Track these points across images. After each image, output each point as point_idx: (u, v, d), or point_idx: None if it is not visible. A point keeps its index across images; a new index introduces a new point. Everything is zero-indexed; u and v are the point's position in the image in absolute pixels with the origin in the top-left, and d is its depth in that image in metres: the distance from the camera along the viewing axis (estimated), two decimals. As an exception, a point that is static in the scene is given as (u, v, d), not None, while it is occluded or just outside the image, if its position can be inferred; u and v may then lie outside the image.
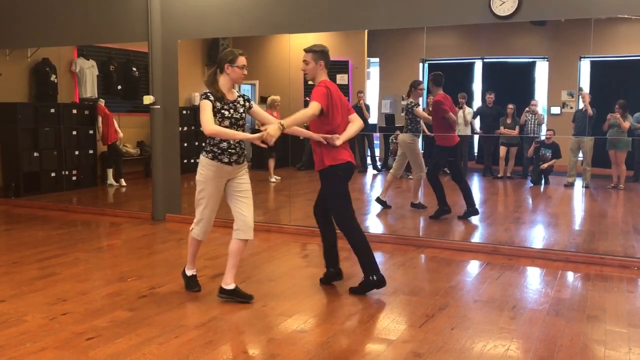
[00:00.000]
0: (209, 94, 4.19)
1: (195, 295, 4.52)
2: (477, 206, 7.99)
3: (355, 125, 4.64)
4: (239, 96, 4.35)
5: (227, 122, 4.20)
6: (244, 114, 4.32)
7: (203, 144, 4.33)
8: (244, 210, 4.30)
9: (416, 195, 8.06)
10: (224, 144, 4.23)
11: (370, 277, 4.52)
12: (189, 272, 4.66)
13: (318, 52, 4.54)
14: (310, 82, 4.74)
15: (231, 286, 4.35)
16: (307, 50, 4.57)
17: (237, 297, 4.35)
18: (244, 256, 5.83)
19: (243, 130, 4.33)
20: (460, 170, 7.94)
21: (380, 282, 4.52)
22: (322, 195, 4.76)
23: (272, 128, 4.10)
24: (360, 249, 4.54)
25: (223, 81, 4.26)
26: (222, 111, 4.20)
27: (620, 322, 4.02)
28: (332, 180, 4.56)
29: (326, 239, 4.82)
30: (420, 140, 8.12)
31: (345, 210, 4.57)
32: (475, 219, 7.65)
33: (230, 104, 4.25)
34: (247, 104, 4.36)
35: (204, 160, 4.28)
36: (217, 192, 4.33)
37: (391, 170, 8.24)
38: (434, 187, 7.62)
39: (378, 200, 8.16)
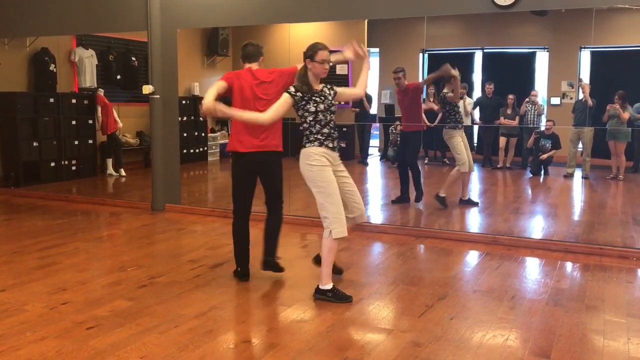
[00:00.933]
0: (293, 87, 4.19)
1: (195, 284, 4.53)
2: (476, 198, 8.02)
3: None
4: (323, 86, 4.30)
5: (319, 115, 4.18)
6: (333, 102, 4.28)
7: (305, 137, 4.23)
8: (356, 197, 4.31)
9: (465, 191, 7.79)
10: (327, 130, 4.20)
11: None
12: (328, 286, 4.21)
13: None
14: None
15: (329, 285, 4.24)
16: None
17: (336, 297, 4.19)
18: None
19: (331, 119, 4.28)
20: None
21: (243, 276, 4.64)
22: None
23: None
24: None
25: (309, 75, 4.22)
26: (310, 102, 4.17)
27: (619, 312, 4.03)
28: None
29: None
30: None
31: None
32: (474, 210, 7.67)
33: (317, 94, 4.22)
34: (331, 91, 4.31)
35: (310, 151, 4.16)
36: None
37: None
38: (405, 175, 7.75)
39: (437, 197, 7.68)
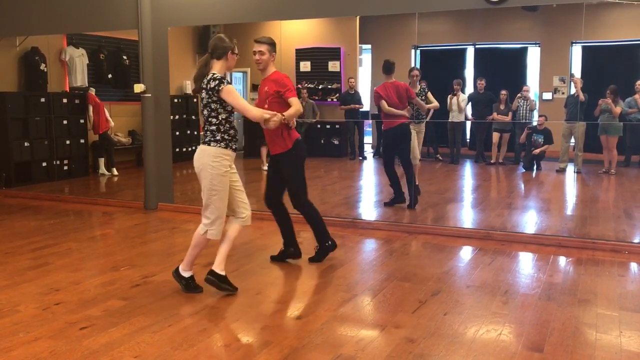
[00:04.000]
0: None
1: (188, 283, 4.52)
2: (469, 193, 8.03)
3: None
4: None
5: (232, 116, 4.26)
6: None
7: (203, 133, 4.22)
8: (244, 198, 4.38)
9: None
10: (233, 131, 4.22)
11: (326, 244, 5.10)
12: (187, 274, 4.38)
13: (273, 45, 4.77)
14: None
15: (187, 274, 4.38)
16: (261, 42, 4.72)
17: (187, 288, 4.35)
18: (236, 244, 5.83)
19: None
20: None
21: (334, 245, 5.14)
22: (281, 179, 4.99)
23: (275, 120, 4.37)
24: (316, 221, 5.07)
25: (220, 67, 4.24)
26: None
27: (612, 306, 4.05)
28: (294, 160, 4.91)
29: (284, 221, 5.16)
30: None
31: (303, 188, 4.99)
32: (467, 205, 7.68)
33: None
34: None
35: (216, 151, 4.15)
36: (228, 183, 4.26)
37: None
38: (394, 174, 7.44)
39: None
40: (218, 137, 4.15)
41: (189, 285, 4.35)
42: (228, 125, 4.18)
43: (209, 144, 4.16)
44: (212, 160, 4.13)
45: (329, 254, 5.14)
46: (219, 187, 4.16)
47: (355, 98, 10.25)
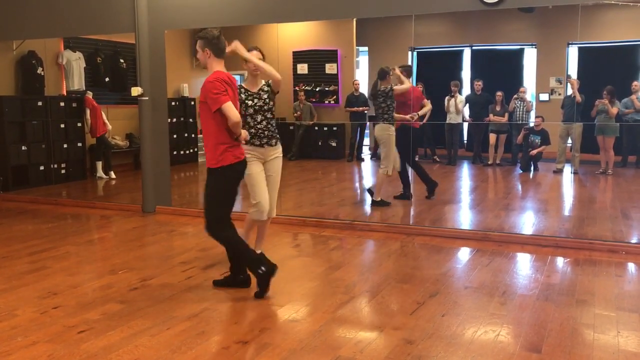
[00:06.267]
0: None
1: (187, 286, 4.52)
2: (467, 195, 8.05)
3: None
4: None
5: (251, 110, 4.67)
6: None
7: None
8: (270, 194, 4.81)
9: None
10: (253, 130, 4.69)
11: (258, 271, 4.20)
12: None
13: (205, 39, 4.22)
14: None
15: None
16: (196, 37, 4.29)
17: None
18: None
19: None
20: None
21: (269, 270, 4.20)
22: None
23: None
24: (235, 251, 4.35)
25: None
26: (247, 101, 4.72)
27: (609, 306, 4.06)
28: (214, 182, 4.24)
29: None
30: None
31: (215, 214, 4.25)
32: (465, 206, 7.70)
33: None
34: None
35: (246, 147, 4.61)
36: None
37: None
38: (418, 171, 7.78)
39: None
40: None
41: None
42: (252, 122, 4.69)
43: None
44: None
45: (268, 282, 4.22)
46: (249, 176, 4.58)
47: (360, 100, 10.26)
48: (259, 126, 4.71)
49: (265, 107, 4.73)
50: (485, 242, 5.78)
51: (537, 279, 4.67)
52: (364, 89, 10.50)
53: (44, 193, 8.82)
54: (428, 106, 8.17)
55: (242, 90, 4.72)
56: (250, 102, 4.69)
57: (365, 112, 10.27)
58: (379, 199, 7.41)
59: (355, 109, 10.24)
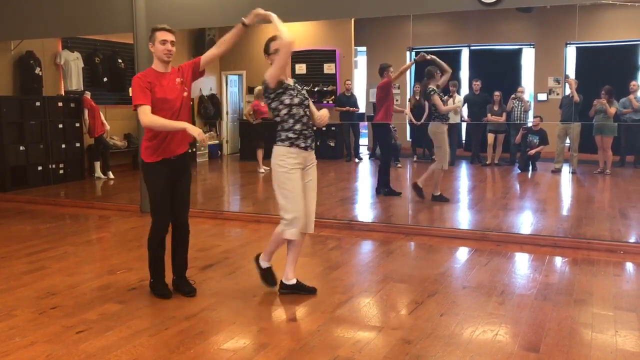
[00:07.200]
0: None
1: (185, 286, 4.51)
2: (465, 194, 8.07)
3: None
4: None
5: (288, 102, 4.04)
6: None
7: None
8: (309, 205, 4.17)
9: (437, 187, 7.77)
10: (299, 126, 4.04)
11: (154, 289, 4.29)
12: (265, 265, 4.38)
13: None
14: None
15: (293, 281, 4.28)
16: (173, 31, 4.25)
17: (301, 290, 4.27)
18: (233, 246, 5.85)
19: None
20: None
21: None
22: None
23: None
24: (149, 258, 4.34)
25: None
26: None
27: (607, 306, 4.07)
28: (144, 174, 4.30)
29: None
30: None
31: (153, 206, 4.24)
32: (463, 206, 7.70)
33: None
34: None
35: (280, 150, 4.04)
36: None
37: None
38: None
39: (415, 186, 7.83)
40: (283, 136, 4.05)
41: (264, 276, 4.40)
42: (292, 121, 4.02)
43: (276, 144, 4.10)
44: (278, 160, 4.05)
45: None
46: (287, 187, 4.02)
47: (352, 101, 10.26)
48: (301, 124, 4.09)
49: (306, 103, 4.15)
50: (484, 242, 5.79)
51: (536, 279, 4.67)
52: (361, 90, 10.51)
53: (42, 193, 8.81)
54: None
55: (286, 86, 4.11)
56: (297, 100, 4.10)
57: (355, 112, 10.29)
58: (438, 193, 7.69)
59: (345, 108, 10.26)
